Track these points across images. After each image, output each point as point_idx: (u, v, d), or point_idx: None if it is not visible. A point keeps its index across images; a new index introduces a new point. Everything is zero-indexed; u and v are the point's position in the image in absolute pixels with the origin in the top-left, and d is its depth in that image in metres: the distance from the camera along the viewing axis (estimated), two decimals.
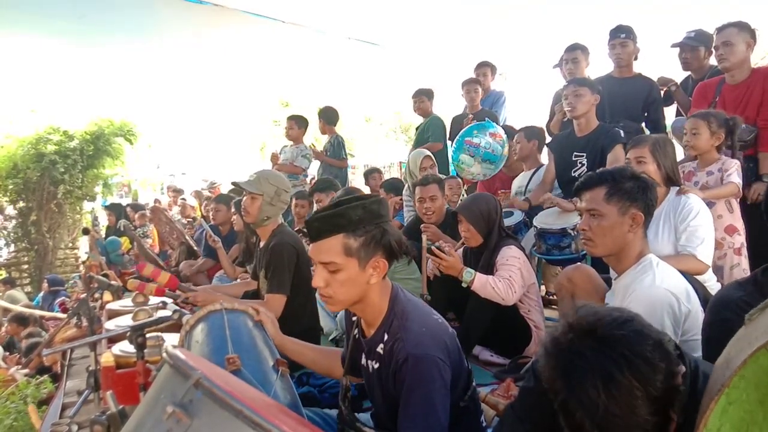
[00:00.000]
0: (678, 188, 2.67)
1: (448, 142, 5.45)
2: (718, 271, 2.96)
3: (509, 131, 4.44)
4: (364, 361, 1.66)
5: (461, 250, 3.20)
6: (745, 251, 2.99)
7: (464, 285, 2.80)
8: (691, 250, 2.47)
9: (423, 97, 5.78)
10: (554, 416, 1.19)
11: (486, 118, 4.63)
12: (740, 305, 1.48)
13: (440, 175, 4.08)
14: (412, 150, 5.76)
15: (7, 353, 5.83)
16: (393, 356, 1.48)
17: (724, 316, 1.50)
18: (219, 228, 5.34)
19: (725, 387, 0.92)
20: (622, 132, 3.46)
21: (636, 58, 3.97)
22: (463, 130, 4.51)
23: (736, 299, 1.52)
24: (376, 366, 1.59)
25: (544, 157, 4.18)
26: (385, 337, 1.54)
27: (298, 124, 6.02)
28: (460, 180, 4.76)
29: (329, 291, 1.49)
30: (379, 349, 1.56)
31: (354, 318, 1.73)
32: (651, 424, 1.02)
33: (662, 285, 1.78)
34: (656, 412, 1.01)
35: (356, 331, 1.71)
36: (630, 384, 1.00)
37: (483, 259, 2.98)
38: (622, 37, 3.87)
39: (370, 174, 6.95)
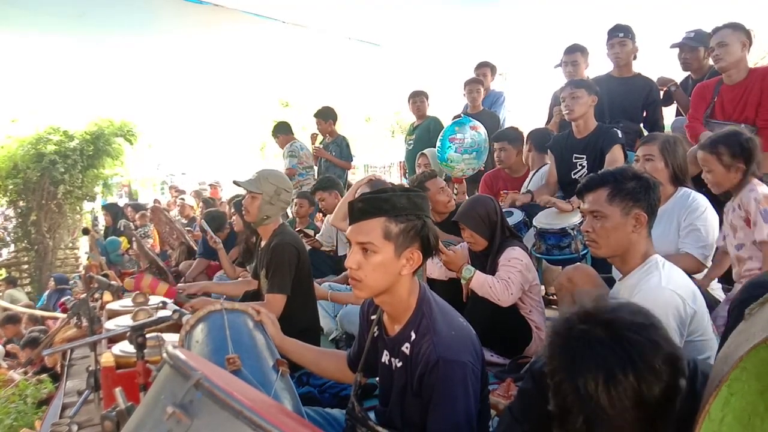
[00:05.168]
0: (685, 188, 2.65)
1: None
2: None
3: (515, 134, 4.42)
4: (385, 358, 1.64)
5: (467, 248, 3.19)
6: None
7: (463, 282, 2.80)
8: (689, 249, 2.47)
9: (423, 98, 5.80)
10: (551, 418, 1.18)
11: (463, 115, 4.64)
12: None
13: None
14: (410, 148, 5.78)
15: (7, 357, 5.84)
16: (421, 358, 1.47)
17: (756, 293, 1.49)
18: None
19: (723, 382, 0.92)
20: (620, 132, 3.46)
21: (635, 58, 3.96)
22: (444, 129, 4.51)
23: None
24: (399, 365, 1.58)
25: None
26: (413, 336, 1.53)
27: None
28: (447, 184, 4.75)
29: (360, 274, 1.49)
30: (405, 348, 1.55)
31: (373, 317, 1.73)
32: (635, 429, 1.02)
33: (668, 286, 1.76)
34: (645, 419, 1.02)
35: (376, 329, 1.71)
36: (630, 387, 1.00)
37: (489, 262, 2.97)
38: (620, 36, 3.86)
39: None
